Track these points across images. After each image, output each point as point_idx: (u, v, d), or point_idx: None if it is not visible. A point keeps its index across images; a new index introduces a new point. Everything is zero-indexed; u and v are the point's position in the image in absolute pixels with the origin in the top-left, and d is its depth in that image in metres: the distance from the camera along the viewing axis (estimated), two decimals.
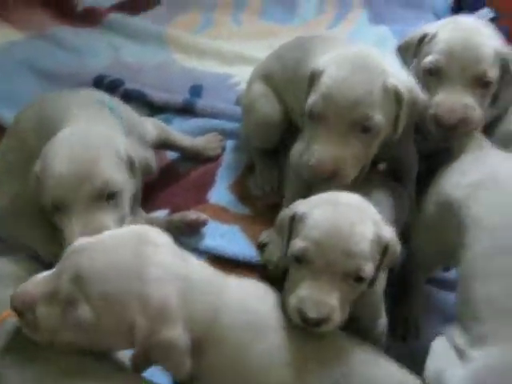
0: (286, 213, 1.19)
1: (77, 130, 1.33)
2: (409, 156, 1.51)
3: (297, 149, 1.48)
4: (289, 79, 1.57)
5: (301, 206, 1.15)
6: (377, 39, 2.19)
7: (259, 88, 1.68)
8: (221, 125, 1.88)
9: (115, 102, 1.56)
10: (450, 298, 1.46)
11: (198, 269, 1.09)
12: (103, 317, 0.98)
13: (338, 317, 1.08)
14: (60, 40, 2.16)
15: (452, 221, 1.24)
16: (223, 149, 1.84)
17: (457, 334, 1.12)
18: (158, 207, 1.68)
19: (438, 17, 2.27)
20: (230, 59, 2.09)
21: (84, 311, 0.98)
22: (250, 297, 1.13)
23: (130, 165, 1.35)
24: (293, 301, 1.10)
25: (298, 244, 1.10)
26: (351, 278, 1.08)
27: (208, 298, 1.06)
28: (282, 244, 1.19)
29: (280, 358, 1.07)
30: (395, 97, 1.27)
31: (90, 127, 1.36)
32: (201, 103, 1.93)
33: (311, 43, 1.54)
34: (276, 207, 1.57)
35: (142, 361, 1.02)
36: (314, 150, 1.28)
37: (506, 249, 1.13)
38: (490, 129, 1.63)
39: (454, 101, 1.35)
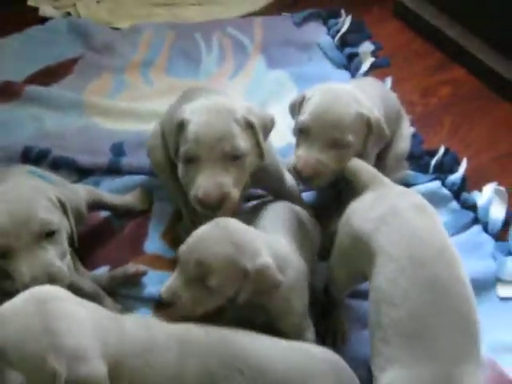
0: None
1: (8, 187, 1.49)
2: None
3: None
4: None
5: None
6: (276, 82, 2.39)
7: (155, 134, 1.93)
8: (146, 179, 2.05)
9: (45, 172, 1.71)
10: None
11: (98, 311, 1.22)
12: (29, 375, 1.10)
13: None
14: None
15: (362, 250, 1.39)
16: (151, 201, 2.00)
17: (372, 359, 1.25)
18: (99, 264, 1.82)
19: (327, 55, 2.53)
20: (145, 117, 2.24)
21: (14, 376, 1.14)
22: (142, 328, 1.26)
23: (62, 207, 1.52)
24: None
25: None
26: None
27: (113, 332, 1.19)
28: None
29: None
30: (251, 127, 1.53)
31: (20, 183, 1.52)
32: (125, 161, 2.08)
33: (185, 95, 1.81)
34: None
35: None
36: (198, 185, 1.47)
37: (408, 276, 1.25)
38: (383, 154, 1.91)
39: (310, 157, 1.59)
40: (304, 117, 1.63)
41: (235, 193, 1.48)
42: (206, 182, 1.46)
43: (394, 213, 1.37)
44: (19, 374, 1.12)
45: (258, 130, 1.52)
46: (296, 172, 1.61)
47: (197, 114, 1.51)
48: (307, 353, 1.36)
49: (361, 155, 1.65)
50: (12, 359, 1.10)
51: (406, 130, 2.07)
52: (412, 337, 1.18)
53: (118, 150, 2.14)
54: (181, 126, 1.52)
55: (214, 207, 1.46)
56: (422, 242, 1.30)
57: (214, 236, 1.33)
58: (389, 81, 2.38)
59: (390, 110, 1.92)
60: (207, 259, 1.30)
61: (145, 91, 2.39)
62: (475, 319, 1.23)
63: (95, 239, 1.87)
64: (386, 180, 1.55)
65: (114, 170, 2.08)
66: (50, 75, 2.44)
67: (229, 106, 1.52)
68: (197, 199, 1.47)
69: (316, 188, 2.01)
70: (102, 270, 1.81)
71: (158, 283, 1.74)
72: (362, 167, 1.58)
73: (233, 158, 1.48)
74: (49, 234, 1.44)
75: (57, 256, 1.44)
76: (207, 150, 1.47)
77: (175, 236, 1.90)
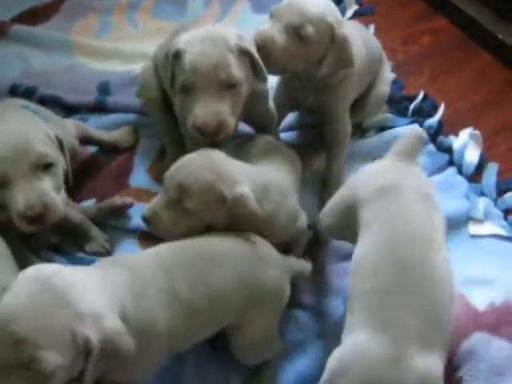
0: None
1: (6, 119, 1.53)
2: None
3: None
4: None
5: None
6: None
7: (146, 70, 1.99)
8: (132, 117, 2.09)
9: (38, 107, 1.75)
10: None
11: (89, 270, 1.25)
12: (63, 351, 1.08)
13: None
14: None
15: (353, 215, 1.43)
16: (137, 139, 2.05)
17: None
18: (85, 197, 1.88)
19: None
20: (132, 58, 2.27)
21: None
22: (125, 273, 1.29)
23: (59, 143, 1.57)
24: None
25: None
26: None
27: (110, 285, 1.21)
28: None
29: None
30: (244, 55, 1.56)
31: (17, 116, 1.58)
32: (111, 100, 2.12)
33: (178, 29, 1.84)
34: None
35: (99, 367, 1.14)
36: (195, 114, 1.53)
37: (383, 254, 1.29)
38: (364, 94, 1.97)
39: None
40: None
41: (231, 121, 1.54)
42: (203, 111, 1.51)
43: (397, 190, 1.39)
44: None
45: (254, 54, 1.57)
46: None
47: (192, 44, 1.54)
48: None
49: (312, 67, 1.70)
50: (43, 346, 1.06)
51: (387, 74, 2.14)
52: (374, 308, 1.23)
53: (105, 88, 2.17)
54: (176, 57, 1.57)
55: (211, 134, 1.52)
56: (408, 226, 1.32)
57: (196, 163, 1.43)
58: (371, 28, 2.42)
59: (372, 52, 1.98)
60: (188, 183, 1.40)
61: (131, 33, 2.41)
62: (445, 309, 1.26)
63: (82, 173, 1.92)
64: (413, 159, 1.54)
65: (100, 108, 2.11)
66: (35, 15, 2.44)
67: (222, 34, 1.56)
68: (195, 127, 1.52)
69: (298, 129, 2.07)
70: (89, 203, 1.87)
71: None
72: (405, 137, 1.58)
73: (229, 86, 1.53)
74: (46, 167, 1.49)
75: (52, 188, 1.49)
76: (204, 78, 1.51)
77: (160, 170, 1.91)
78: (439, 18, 2.55)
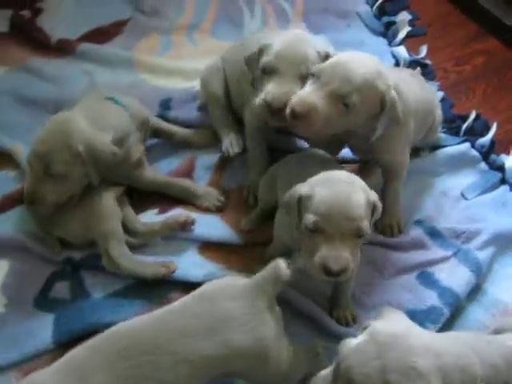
0: (291, 194, 1.47)
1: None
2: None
3: (249, 106, 1.90)
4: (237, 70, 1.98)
5: (303, 188, 1.45)
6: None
7: (212, 68, 2.13)
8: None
9: (121, 97, 1.96)
10: None
11: None
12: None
13: (352, 266, 1.41)
14: (39, 71, 2.37)
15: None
16: (211, 141, 2.15)
17: None
18: (147, 207, 1.96)
19: (365, 23, 2.62)
20: (192, 75, 2.35)
21: None
22: None
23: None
24: (317, 261, 1.40)
25: (310, 218, 1.40)
26: (355, 236, 1.41)
27: None
28: (292, 221, 1.49)
29: None
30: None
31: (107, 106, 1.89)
32: (172, 114, 2.20)
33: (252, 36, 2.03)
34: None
35: None
36: (267, 91, 1.67)
37: None
38: None
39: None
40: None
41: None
42: (275, 89, 1.65)
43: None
44: None
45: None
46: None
47: (280, 40, 1.73)
48: None
49: (367, 132, 1.64)
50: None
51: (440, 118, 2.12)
52: None
53: (166, 104, 2.25)
54: (262, 50, 1.74)
55: (280, 109, 1.62)
56: None
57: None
58: (424, 49, 2.46)
59: (427, 99, 1.98)
60: (354, 211, 1.40)
61: (191, 51, 2.50)
62: None
63: None
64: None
65: None
66: (101, 34, 2.55)
67: (309, 38, 1.76)
68: (265, 102, 1.66)
69: None
70: (151, 213, 1.95)
71: (204, 226, 1.90)
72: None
73: (303, 77, 1.65)
74: None
75: None
76: (286, 65, 1.67)
77: (219, 186, 2.04)
78: (492, 40, 2.58)
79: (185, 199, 1.98)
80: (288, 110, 1.56)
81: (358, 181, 1.47)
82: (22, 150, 2.05)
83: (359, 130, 1.66)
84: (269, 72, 1.70)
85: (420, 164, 2.07)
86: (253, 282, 1.39)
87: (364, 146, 1.76)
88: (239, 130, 2.05)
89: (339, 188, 1.41)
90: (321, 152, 1.81)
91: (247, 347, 1.30)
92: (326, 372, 1.21)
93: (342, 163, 1.96)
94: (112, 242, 1.76)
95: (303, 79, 1.65)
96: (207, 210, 1.96)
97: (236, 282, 1.40)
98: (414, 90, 1.83)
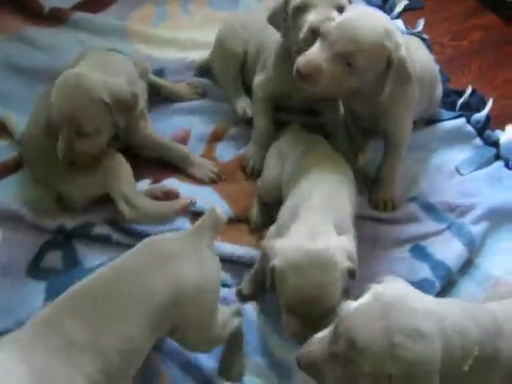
0: (265, 262, 1.43)
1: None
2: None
3: (258, 78, 1.94)
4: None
5: (276, 261, 1.38)
6: None
7: (230, 26, 2.12)
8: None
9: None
10: None
11: None
12: None
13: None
14: (32, 40, 2.34)
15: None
16: (199, 95, 2.18)
17: None
18: (141, 177, 1.95)
19: (370, 3, 2.57)
20: (187, 46, 2.34)
21: None
22: None
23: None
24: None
25: (282, 301, 1.39)
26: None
27: None
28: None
29: None
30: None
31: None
32: None
33: None
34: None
35: None
36: (309, 19, 1.68)
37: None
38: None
39: (316, 58, 1.58)
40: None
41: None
42: (315, 17, 1.67)
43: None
44: None
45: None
46: (296, 68, 1.61)
47: None
48: None
49: (375, 92, 1.65)
50: None
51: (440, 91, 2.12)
52: None
53: (159, 74, 2.23)
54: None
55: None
56: None
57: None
58: (421, 23, 2.44)
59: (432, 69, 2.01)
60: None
61: (185, 21, 2.48)
62: None
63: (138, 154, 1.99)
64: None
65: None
66: (94, 3, 2.52)
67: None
68: (309, 28, 1.67)
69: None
70: (142, 183, 1.94)
71: (192, 195, 1.89)
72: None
73: (339, 8, 1.69)
74: None
75: None
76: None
77: (211, 157, 2.04)
78: (490, 15, 2.56)
79: (180, 166, 1.98)
80: (294, 71, 1.60)
81: (335, 250, 1.38)
82: (15, 119, 2.04)
83: (367, 89, 1.66)
84: (303, 9, 1.70)
85: (415, 138, 2.03)
86: (192, 228, 1.46)
87: (370, 111, 1.77)
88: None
89: (311, 277, 1.34)
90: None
91: (195, 278, 1.33)
92: (323, 334, 1.21)
93: None
94: (132, 190, 1.81)
95: (339, 9, 1.68)
96: (201, 182, 1.95)
97: (176, 232, 1.49)
98: (421, 57, 1.83)
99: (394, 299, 1.14)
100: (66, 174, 1.80)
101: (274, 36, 1.89)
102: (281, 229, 1.52)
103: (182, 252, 1.36)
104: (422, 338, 1.09)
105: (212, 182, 1.96)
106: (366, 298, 1.17)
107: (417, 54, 1.79)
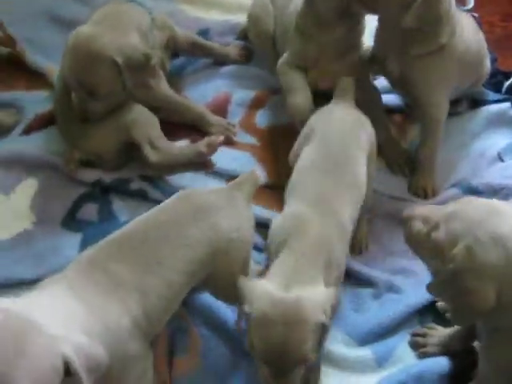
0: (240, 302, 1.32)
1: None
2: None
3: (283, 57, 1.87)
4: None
5: (246, 307, 1.28)
6: None
7: (261, 4, 2.07)
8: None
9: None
10: None
11: None
12: None
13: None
14: None
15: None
16: (248, 56, 2.18)
17: None
18: (180, 137, 1.95)
19: None
20: (231, 8, 2.32)
21: None
22: None
23: None
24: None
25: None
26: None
27: None
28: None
29: None
30: None
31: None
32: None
33: None
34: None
35: None
36: None
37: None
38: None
39: None
40: None
41: None
42: None
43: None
44: None
45: None
46: None
47: None
48: None
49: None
50: None
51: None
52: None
53: (204, 35, 2.21)
54: None
55: None
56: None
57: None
58: (472, 1, 2.38)
59: (480, 50, 1.97)
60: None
61: None
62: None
63: None
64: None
65: None
66: None
67: None
68: None
69: None
70: (180, 143, 1.93)
71: (233, 161, 1.90)
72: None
73: None
74: None
75: None
76: None
77: (251, 123, 2.03)
78: None
79: (197, 125, 1.98)
80: None
81: (308, 302, 1.26)
82: (55, 70, 2.03)
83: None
84: None
85: (457, 123, 2.02)
86: (229, 184, 1.52)
87: (401, 70, 1.78)
88: None
89: (278, 331, 1.23)
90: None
91: (230, 229, 1.38)
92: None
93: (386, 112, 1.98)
94: (156, 134, 1.81)
95: None
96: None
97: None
98: (468, 30, 1.80)
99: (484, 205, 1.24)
100: (85, 130, 1.81)
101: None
102: (269, 250, 1.47)
103: (218, 203, 1.40)
104: None
105: (227, 140, 1.93)
106: (453, 206, 1.26)
107: (463, 25, 1.77)
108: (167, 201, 1.43)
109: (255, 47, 2.18)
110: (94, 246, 1.30)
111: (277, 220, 1.47)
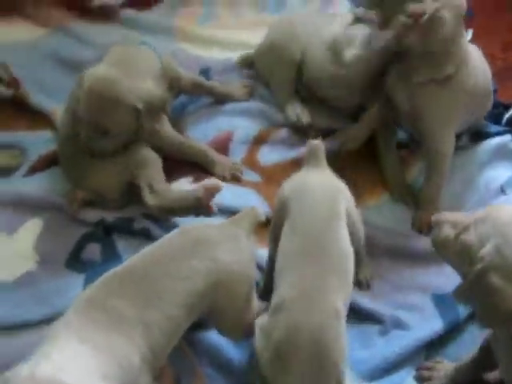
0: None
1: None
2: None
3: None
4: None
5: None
6: None
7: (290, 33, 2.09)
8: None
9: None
10: None
11: None
12: None
13: None
14: (80, 34, 2.37)
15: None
16: (250, 95, 2.17)
17: None
18: (181, 175, 1.96)
19: None
20: (232, 46, 2.34)
21: None
22: None
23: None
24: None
25: None
26: None
27: None
28: None
29: None
30: None
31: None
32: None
33: None
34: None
35: None
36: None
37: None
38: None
39: None
40: None
41: None
42: None
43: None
44: None
45: None
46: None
47: None
48: None
49: None
50: None
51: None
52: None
53: (206, 74, 2.24)
54: None
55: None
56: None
57: None
58: (470, 33, 2.39)
59: (487, 83, 1.97)
60: None
61: (232, 22, 2.49)
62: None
63: None
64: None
65: None
66: (143, 1, 2.55)
67: None
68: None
69: None
70: (184, 181, 1.95)
71: (237, 197, 1.90)
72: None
73: None
74: None
75: None
76: None
77: (254, 161, 2.04)
78: None
79: (201, 164, 1.98)
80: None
81: None
82: (60, 112, 2.05)
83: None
84: None
85: (461, 156, 2.00)
86: (230, 219, 1.55)
87: (409, 103, 1.78)
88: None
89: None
90: None
91: (231, 264, 1.39)
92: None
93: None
94: (156, 177, 1.81)
95: None
96: (223, 180, 1.92)
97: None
98: (478, 62, 1.83)
99: None
100: (89, 169, 1.82)
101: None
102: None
103: (218, 237, 1.41)
104: None
105: (233, 179, 1.95)
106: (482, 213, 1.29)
107: (473, 57, 1.79)
108: (167, 235, 1.45)
109: (261, 78, 2.20)
110: (94, 283, 1.31)
111: (264, 326, 1.36)
